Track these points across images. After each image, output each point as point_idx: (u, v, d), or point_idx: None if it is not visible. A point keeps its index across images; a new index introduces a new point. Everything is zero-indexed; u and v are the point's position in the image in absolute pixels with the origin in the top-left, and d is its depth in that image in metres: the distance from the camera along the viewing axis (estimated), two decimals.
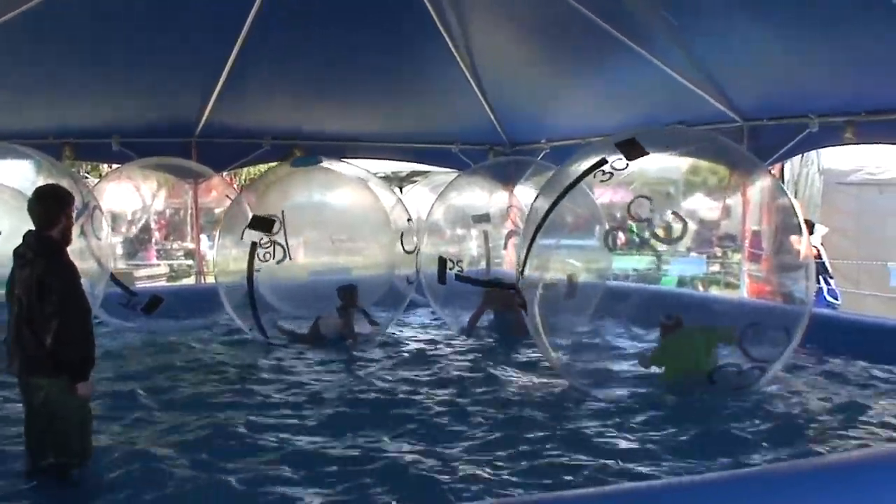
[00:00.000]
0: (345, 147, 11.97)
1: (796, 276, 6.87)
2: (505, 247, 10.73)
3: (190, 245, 15.89)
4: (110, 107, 10.67)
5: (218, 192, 12.24)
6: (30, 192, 4.72)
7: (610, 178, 6.30)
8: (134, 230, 13.57)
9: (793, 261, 7.07)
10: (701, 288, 10.44)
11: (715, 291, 11.17)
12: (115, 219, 11.92)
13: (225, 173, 13.16)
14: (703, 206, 9.48)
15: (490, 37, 10.44)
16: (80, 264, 4.66)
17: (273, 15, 9.29)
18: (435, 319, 10.44)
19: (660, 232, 6.56)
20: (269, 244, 8.59)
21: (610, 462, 4.91)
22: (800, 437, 5.39)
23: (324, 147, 11.46)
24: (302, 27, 9.62)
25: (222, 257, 9.23)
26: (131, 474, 4.73)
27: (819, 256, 9.39)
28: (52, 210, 4.50)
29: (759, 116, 9.31)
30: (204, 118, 11.25)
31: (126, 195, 12.60)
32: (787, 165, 12.64)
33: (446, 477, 4.68)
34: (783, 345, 6.37)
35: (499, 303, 9.33)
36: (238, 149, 11.95)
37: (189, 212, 14.38)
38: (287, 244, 8.68)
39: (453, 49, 10.44)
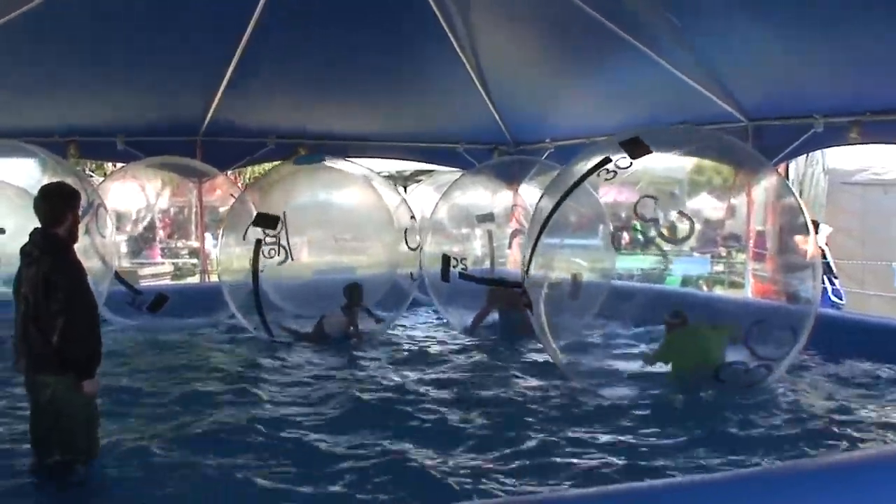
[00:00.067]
0: (349, 146, 11.97)
1: (803, 276, 6.86)
2: (509, 246, 10.74)
3: (194, 244, 15.95)
4: (115, 106, 10.69)
5: (222, 190, 12.27)
6: (34, 191, 4.70)
7: (614, 177, 6.31)
8: (138, 229, 13.59)
9: (799, 260, 7.08)
10: (705, 288, 10.44)
11: (719, 291, 11.18)
12: (119, 217, 11.95)
13: (229, 172, 13.18)
14: (709, 205, 9.49)
15: (495, 37, 10.43)
16: (84, 262, 4.66)
17: (277, 14, 9.30)
18: (438, 319, 10.45)
19: (666, 232, 6.56)
20: (273, 240, 8.62)
21: (612, 462, 4.92)
22: (801, 437, 5.38)
23: (329, 146, 11.49)
24: (308, 27, 9.63)
25: (226, 256, 9.26)
26: (136, 472, 4.75)
27: (824, 256, 9.37)
28: (58, 208, 4.49)
29: (764, 116, 9.31)
30: (208, 117, 11.27)
31: (130, 194, 12.63)
32: (792, 165, 12.62)
33: (448, 476, 4.68)
34: (789, 344, 6.36)
35: (503, 302, 9.33)
36: (243, 148, 11.97)
37: (193, 210, 14.43)
38: (289, 245, 8.71)
39: (458, 50, 10.45)
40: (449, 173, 13.76)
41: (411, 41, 10.20)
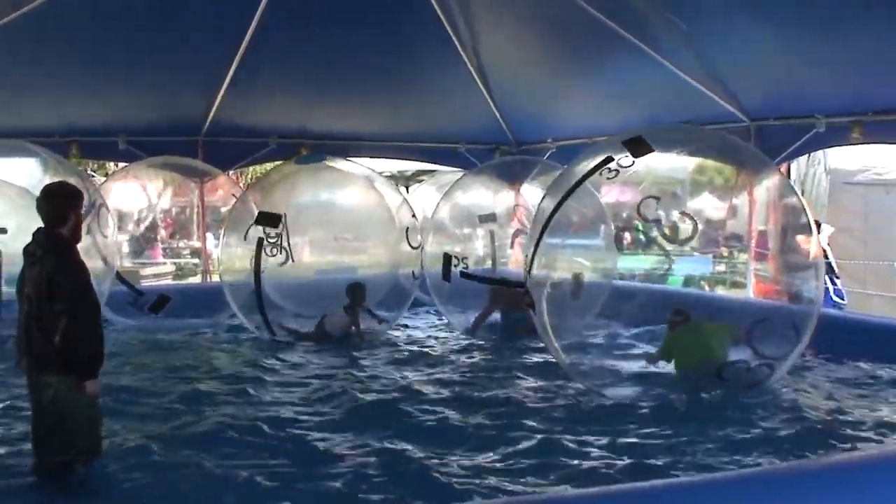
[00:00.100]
0: (351, 146, 11.97)
1: (805, 276, 6.85)
2: (511, 246, 10.74)
3: (196, 243, 15.96)
4: (116, 106, 10.70)
5: (224, 190, 12.28)
6: (36, 191, 4.68)
7: (616, 176, 6.31)
8: (140, 229, 13.61)
9: (802, 260, 7.06)
10: (707, 288, 10.43)
11: (721, 291, 11.17)
12: (121, 217, 11.95)
13: (231, 172, 13.19)
14: (711, 204, 9.49)
15: (496, 36, 10.43)
16: (86, 262, 4.65)
17: (279, 14, 9.30)
18: (439, 319, 10.45)
19: (668, 232, 6.55)
20: (275, 239, 8.63)
21: (613, 461, 4.91)
22: (802, 437, 5.37)
23: (330, 146, 11.49)
24: (309, 27, 9.63)
25: (227, 256, 9.26)
26: (136, 472, 4.74)
27: (825, 256, 9.36)
28: (60, 207, 4.47)
29: (765, 116, 9.30)
30: (210, 117, 11.27)
31: (132, 194, 12.64)
32: (794, 165, 12.60)
33: (448, 476, 4.68)
34: (792, 344, 6.36)
35: (505, 301, 9.33)
36: (244, 147, 11.97)
37: (195, 210, 14.44)
38: (290, 246, 8.71)
39: (460, 49, 10.44)
40: (451, 173, 13.77)
41: (412, 41, 10.21)
